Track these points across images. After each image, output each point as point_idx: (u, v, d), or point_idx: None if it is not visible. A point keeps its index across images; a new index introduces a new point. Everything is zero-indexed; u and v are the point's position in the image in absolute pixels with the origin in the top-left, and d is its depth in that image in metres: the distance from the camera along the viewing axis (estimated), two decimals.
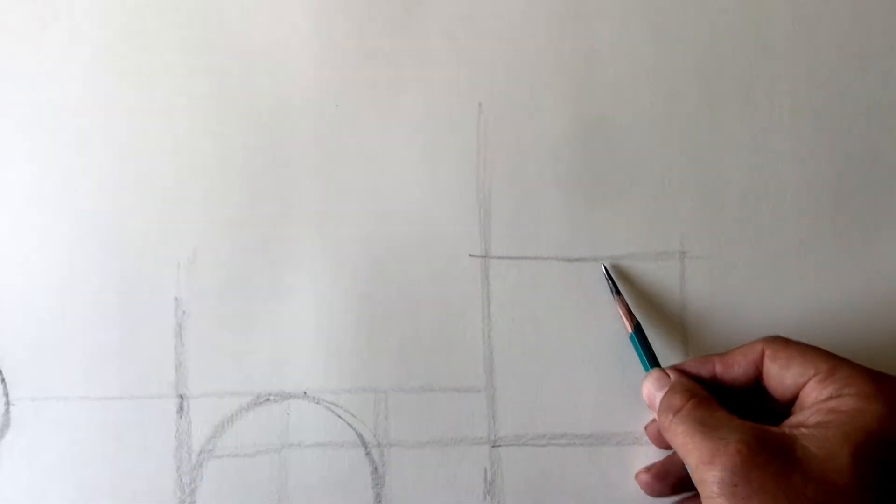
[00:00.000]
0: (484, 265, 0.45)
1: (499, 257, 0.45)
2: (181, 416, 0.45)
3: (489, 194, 0.46)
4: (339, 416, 0.45)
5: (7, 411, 0.45)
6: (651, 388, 0.40)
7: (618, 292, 0.44)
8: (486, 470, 0.44)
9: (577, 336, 0.45)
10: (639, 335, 0.43)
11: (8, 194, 0.46)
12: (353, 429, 0.45)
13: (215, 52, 0.46)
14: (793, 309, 0.45)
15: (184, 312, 0.45)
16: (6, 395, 0.45)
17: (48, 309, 0.45)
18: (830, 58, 0.46)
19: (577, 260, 0.45)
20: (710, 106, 0.46)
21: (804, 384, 0.36)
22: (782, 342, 0.38)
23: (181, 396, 0.45)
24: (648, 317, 0.45)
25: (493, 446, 0.45)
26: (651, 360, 0.42)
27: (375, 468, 0.44)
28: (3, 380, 0.45)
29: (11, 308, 0.45)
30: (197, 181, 0.46)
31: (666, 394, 0.39)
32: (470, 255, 0.45)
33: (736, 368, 0.39)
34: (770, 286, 0.45)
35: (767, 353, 0.38)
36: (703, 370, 0.39)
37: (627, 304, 0.44)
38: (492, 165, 0.46)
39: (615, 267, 0.45)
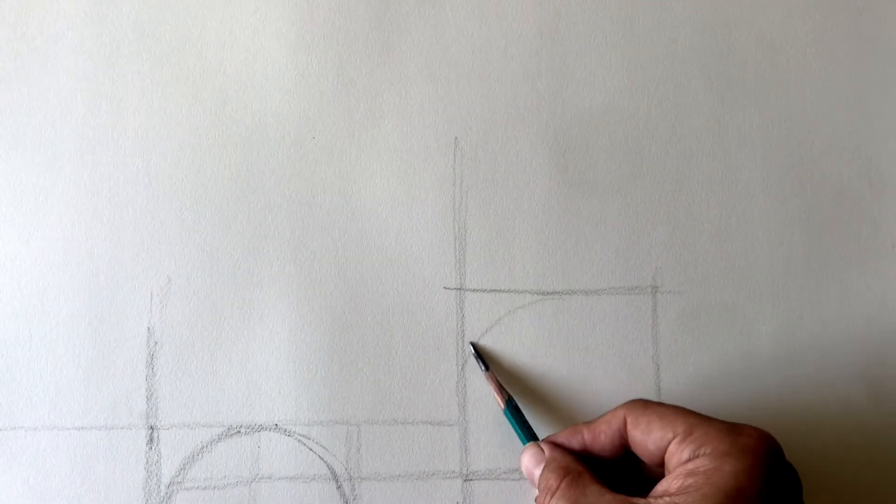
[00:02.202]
0: (458, 298, 0.46)
1: (473, 290, 0.46)
2: (151, 448, 0.44)
3: (464, 227, 0.46)
4: (311, 449, 0.44)
5: None
6: (528, 465, 0.40)
7: (487, 368, 0.44)
8: None
9: (551, 369, 0.45)
10: (512, 409, 0.43)
11: None
12: (325, 462, 0.44)
13: (192, 82, 0.46)
14: (765, 343, 0.46)
15: (156, 342, 0.45)
16: None
17: (17, 336, 0.45)
18: (800, 95, 0.47)
19: (551, 293, 0.46)
20: (682, 140, 0.47)
21: (666, 447, 0.37)
22: (641, 406, 0.38)
23: (151, 427, 0.44)
24: (620, 351, 0.45)
25: (465, 480, 0.44)
26: (526, 434, 0.42)
27: (346, 502, 0.44)
28: None
29: None
30: (171, 209, 0.45)
31: (542, 473, 0.39)
32: (445, 288, 0.46)
33: (602, 438, 0.39)
34: (742, 321, 0.46)
35: (629, 419, 0.38)
36: (574, 441, 0.40)
37: (497, 380, 0.44)
38: (467, 198, 0.46)
39: (481, 347, 0.45)
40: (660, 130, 0.47)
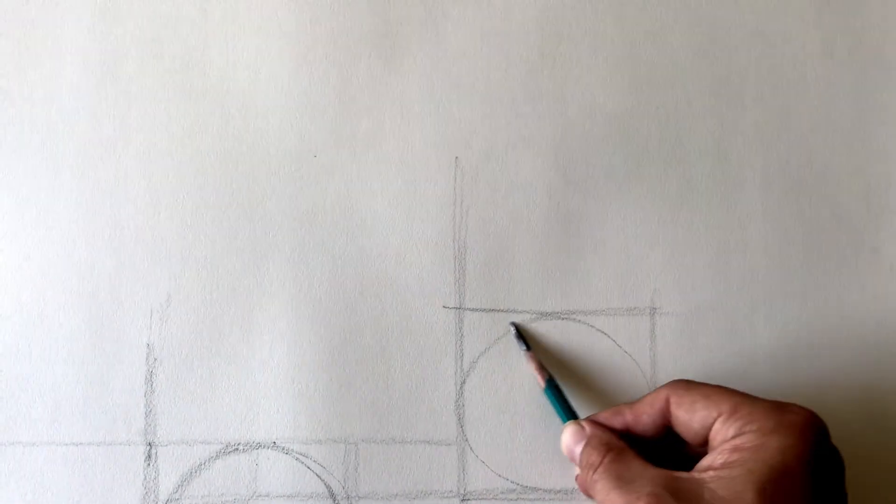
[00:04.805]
0: (458, 317, 0.46)
1: (472, 309, 0.46)
2: (149, 464, 0.44)
3: (464, 246, 0.46)
4: (309, 468, 0.44)
5: None
6: (569, 442, 0.41)
7: (528, 348, 0.45)
8: None
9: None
10: (552, 389, 0.43)
11: None
12: (323, 480, 0.44)
13: (194, 99, 0.46)
14: (763, 365, 0.46)
15: (155, 359, 0.45)
16: None
17: (16, 352, 0.45)
18: (799, 118, 0.48)
19: (550, 313, 0.46)
20: (681, 162, 0.47)
21: (710, 425, 0.37)
22: (685, 386, 0.39)
23: (150, 444, 0.44)
24: (618, 372, 0.45)
25: (462, 500, 0.44)
26: (567, 413, 0.42)
27: None
28: None
29: None
30: (172, 227, 0.46)
31: (584, 450, 0.39)
32: (444, 307, 0.46)
33: (645, 418, 0.39)
34: (740, 343, 0.46)
35: (672, 399, 0.38)
36: (616, 421, 0.40)
37: (538, 360, 0.44)
38: (467, 218, 0.46)
39: (526, 327, 0.45)
40: (660, 152, 0.47)
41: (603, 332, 0.46)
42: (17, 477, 0.44)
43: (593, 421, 0.40)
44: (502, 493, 0.44)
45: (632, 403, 0.40)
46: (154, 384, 0.45)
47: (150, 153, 0.46)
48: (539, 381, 0.44)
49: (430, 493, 0.44)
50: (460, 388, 0.45)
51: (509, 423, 0.45)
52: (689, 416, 0.38)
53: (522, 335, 0.45)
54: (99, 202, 0.46)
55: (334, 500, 0.44)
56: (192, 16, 0.47)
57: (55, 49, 0.46)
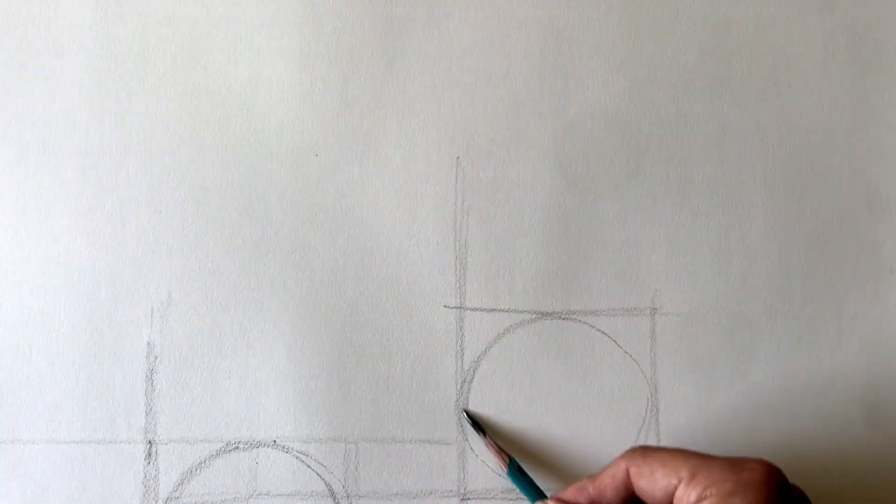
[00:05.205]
0: (458, 316, 0.46)
1: (473, 309, 0.46)
2: (149, 462, 0.44)
3: (465, 246, 0.46)
4: (309, 466, 0.44)
5: None
6: None
7: (484, 434, 0.44)
8: None
9: (550, 389, 0.45)
10: (515, 471, 0.43)
11: None
12: (323, 479, 0.44)
13: (196, 99, 0.46)
14: (763, 367, 0.46)
15: (156, 357, 0.45)
16: None
17: (17, 349, 0.45)
18: (801, 118, 0.48)
19: (551, 313, 0.46)
20: (681, 162, 0.47)
21: (673, 492, 0.37)
22: (641, 454, 0.38)
23: (150, 442, 0.44)
24: (618, 373, 0.45)
25: (462, 499, 0.44)
26: (533, 493, 0.42)
27: None
28: None
29: None
30: (174, 225, 0.46)
31: None
32: (445, 306, 0.46)
33: (608, 492, 0.39)
34: (740, 344, 0.46)
35: (632, 471, 0.38)
36: (581, 497, 0.40)
37: (496, 444, 0.44)
38: (468, 218, 0.46)
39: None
40: (661, 153, 0.47)
41: (603, 332, 0.46)
42: (17, 475, 0.44)
43: (559, 499, 0.40)
44: (502, 493, 0.45)
45: (593, 477, 0.39)
46: (154, 382, 0.45)
47: (152, 151, 0.46)
48: (501, 466, 0.43)
49: (430, 493, 0.44)
50: (460, 387, 0.45)
51: (509, 421, 0.45)
52: (651, 486, 0.38)
53: (475, 421, 0.44)
54: (100, 201, 0.46)
55: (334, 499, 0.44)
56: (194, 15, 0.47)
57: (56, 48, 0.46)
